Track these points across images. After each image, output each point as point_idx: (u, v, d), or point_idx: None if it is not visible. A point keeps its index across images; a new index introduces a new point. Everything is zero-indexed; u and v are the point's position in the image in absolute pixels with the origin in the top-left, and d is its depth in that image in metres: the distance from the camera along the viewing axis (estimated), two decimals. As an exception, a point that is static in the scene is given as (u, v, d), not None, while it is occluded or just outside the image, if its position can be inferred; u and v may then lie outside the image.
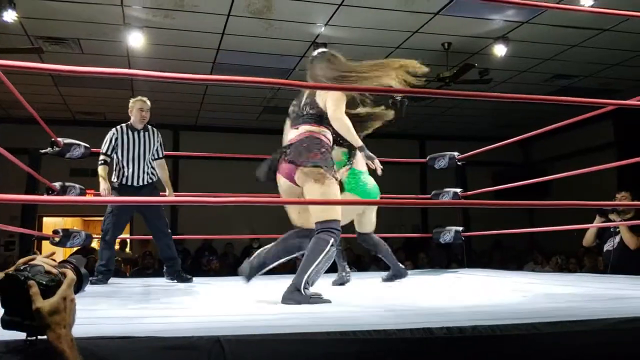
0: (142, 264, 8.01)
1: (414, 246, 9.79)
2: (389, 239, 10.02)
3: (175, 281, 4.32)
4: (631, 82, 8.44)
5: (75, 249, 7.90)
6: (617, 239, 4.72)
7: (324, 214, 2.72)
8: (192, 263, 9.09)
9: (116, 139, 4.28)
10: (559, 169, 5.40)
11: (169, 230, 4.46)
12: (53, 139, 4.62)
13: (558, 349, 1.82)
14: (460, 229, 5.23)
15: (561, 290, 3.33)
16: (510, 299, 2.86)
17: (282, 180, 2.90)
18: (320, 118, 2.90)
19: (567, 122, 4.20)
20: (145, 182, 4.32)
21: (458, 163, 5.33)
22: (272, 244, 2.94)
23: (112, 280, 4.34)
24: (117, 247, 10.71)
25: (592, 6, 5.45)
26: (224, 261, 9.00)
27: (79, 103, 9.45)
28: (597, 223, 4.76)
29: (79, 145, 4.80)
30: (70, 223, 11.58)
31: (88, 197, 4.67)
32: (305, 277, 2.61)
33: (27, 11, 6.01)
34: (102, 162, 4.25)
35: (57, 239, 4.53)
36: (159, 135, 4.48)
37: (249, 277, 2.90)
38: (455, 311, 2.37)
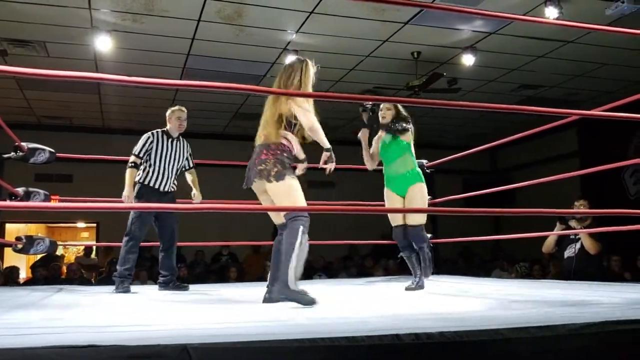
0: (108, 272, 7.87)
1: (382, 253, 9.83)
2: (357, 246, 10.09)
3: (171, 291, 4.27)
4: (594, 93, 8.67)
5: (39, 256, 7.73)
6: (578, 245, 4.85)
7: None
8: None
9: (151, 142, 4.28)
10: (525, 177, 5.51)
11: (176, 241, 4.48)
12: (17, 144, 4.51)
13: (524, 354, 1.85)
14: (429, 235, 5.27)
15: (526, 296, 3.39)
16: (477, 306, 2.90)
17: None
18: (280, 119, 3.07)
19: (533, 131, 4.29)
20: (169, 189, 4.33)
21: (427, 170, 5.38)
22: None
23: (77, 288, 4.25)
24: (81, 253, 10.57)
25: (557, 19, 5.58)
26: (193, 268, 8.90)
27: (44, 107, 9.26)
28: (558, 230, 4.89)
29: (43, 150, 4.69)
30: (34, 229, 11.30)
31: (52, 203, 4.56)
32: (291, 272, 2.74)
33: (-10, 12, 5.88)
34: (132, 164, 4.24)
35: (19, 246, 4.41)
36: (189, 146, 4.51)
37: None
38: (423, 317, 2.39)
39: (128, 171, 4.23)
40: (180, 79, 7.69)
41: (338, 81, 8.16)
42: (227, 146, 10.06)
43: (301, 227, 2.83)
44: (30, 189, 4.60)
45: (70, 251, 12.22)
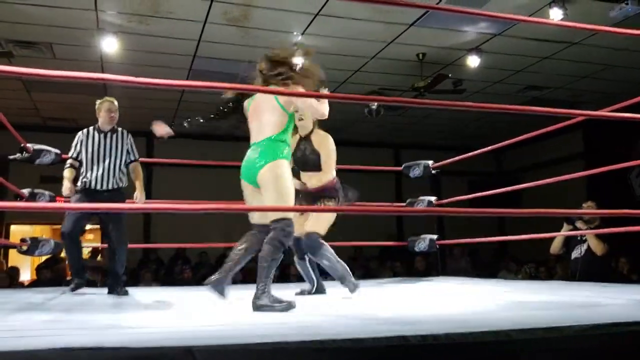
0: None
1: (390, 255, 9.82)
2: (363, 248, 10.07)
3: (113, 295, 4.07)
4: (599, 95, 8.63)
5: (44, 257, 7.74)
6: (584, 246, 4.86)
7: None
8: (165, 272, 8.98)
9: (81, 142, 4.11)
10: (531, 178, 5.50)
11: (126, 245, 4.18)
12: (22, 145, 4.53)
13: (530, 355, 1.84)
14: (435, 237, 5.27)
15: (533, 298, 3.38)
16: (484, 307, 2.89)
17: None
18: None
19: (539, 132, 4.28)
20: (111, 187, 4.08)
21: (432, 172, 5.37)
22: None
23: (83, 290, 4.22)
24: (87, 255, 10.58)
25: (561, 20, 5.56)
26: (197, 270, 8.91)
27: (50, 109, 9.28)
28: (565, 231, 4.89)
29: (49, 151, 4.71)
30: (40, 231, 11.32)
31: (57, 204, 4.56)
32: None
33: (-3, 14, 5.90)
34: (69, 165, 4.09)
35: (24, 248, 4.43)
36: (130, 136, 4.25)
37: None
38: (429, 319, 2.38)
39: (65, 171, 4.07)
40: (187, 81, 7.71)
41: (343, 82, 8.15)
42: (232, 148, 10.06)
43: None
44: (36, 190, 4.63)
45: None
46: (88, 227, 11.72)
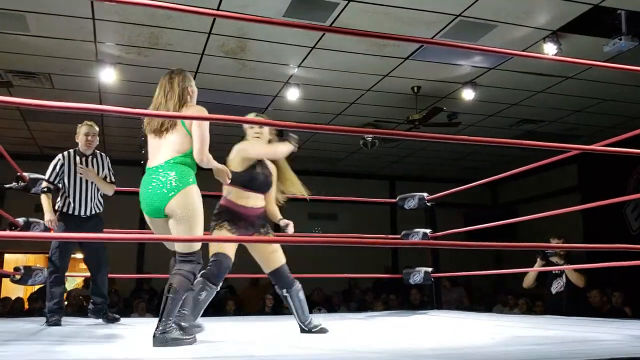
0: (108, 303, 7.78)
1: (384, 287, 9.75)
2: (358, 280, 10.00)
3: (101, 320, 4.15)
4: (594, 128, 8.72)
5: (37, 287, 7.66)
6: (563, 279, 4.93)
7: None
8: (158, 303, 8.87)
9: (62, 165, 4.06)
10: (526, 211, 5.52)
11: (108, 267, 4.24)
12: (18, 174, 4.52)
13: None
14: (430, 269, 5.24)
15: (529, 332, 3.35)
16: (479, 342, 2.86)
17: None
18: None
19: (534, 165, 4.30)
20: (92, 212, 4.08)
21: (427, 204, 5.37)
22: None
23: (74, 320, 4.19)
24: (80, 285, 10.47)
25: (555, 54, 5.65)
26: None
27: (47, 138, 9.30)
28: (539, 266, 5.00)
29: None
30: (33, 260, 11.20)
31: (52, 234, 4.53)
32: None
33: (-4, 45, 5.96)
34: (45, 189, 4.03)
35: (18, 277, 4.39)
36: (108, 159, 4.25)
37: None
38: (423, 353, 2.36)
39: (42, 197, 4.02)
40: (183, 111, 7.74)
41: (339, 114, 8.22)
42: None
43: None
44: (31, 220, 4.60)
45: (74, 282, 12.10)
46: (82, 256, 11.68)
